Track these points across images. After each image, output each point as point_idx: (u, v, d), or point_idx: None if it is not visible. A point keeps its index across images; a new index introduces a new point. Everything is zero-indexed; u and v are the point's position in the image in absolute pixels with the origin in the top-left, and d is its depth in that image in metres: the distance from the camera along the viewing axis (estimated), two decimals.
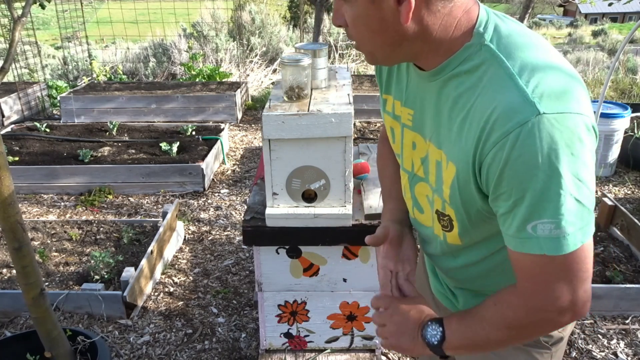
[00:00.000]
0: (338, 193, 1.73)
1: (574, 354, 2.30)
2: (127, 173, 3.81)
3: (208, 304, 2.63)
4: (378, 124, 5.29)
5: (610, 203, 3.14)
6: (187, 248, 3.16)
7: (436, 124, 0.89)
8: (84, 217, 3.46)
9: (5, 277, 2.69)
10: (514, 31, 0.82)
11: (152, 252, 2.70)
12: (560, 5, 39.42)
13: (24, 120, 5.46)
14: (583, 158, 0.73)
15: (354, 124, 4.90)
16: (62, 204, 3.70)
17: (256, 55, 7.64)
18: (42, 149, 4.23)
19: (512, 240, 0.80)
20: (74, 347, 1.91)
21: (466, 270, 1.01)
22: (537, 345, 1.03)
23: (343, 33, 8.01)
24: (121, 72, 7.18)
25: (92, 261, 2.61)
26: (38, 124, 4.71)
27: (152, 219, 3.30)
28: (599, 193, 3.82)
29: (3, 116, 5.33)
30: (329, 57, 7.07)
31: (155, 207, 3.64)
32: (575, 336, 2.40)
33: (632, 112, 4.25)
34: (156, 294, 2.71)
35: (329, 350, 2.08)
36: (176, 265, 2.97)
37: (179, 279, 2.84)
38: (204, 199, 3.77)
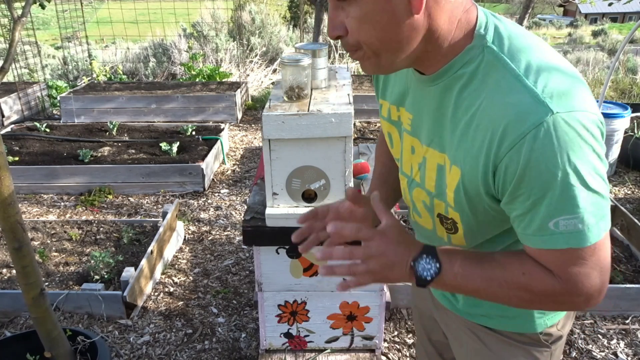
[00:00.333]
0: (338, 193, 1.73)
1: (574, 354, 2.30)
2: (127, 173, 3.81)
3: (208, 304, 2.64)
4: (378, 124, 5.29)
5: (610, 203, 3.14)
6: (187, 248, 3.16)
7: (438, 128, 0.89)
8: (84, 217, 3.46)
9: (5, 277, 2.69)
10: (514, 32, 0.83)
11: (152, 252, 2.70)
12: (560, 5, 39.42)
13: (24, 120, 5.46)
14: (597, 151, 0.75)
15: (354, 124, 4.90)
16: (62, 204, 3.70)
17: (256, 55, 7.64)
18: (42, 149, 4.23)
19: (532, 239, 0.80)
20: (74, 347, 1.91)
21: None
22: (537, 344, 1.03)
23: None
24: (121, 72, 7.18)
25: (92, 261, 2.61)
26: (38, 124, 4.71)
27: (152, 219, 3.30)
28: None
29: (3, 116, 5.33)
30: (329, 57, 7.07)
31: (155, 207, 3.64)
32: (575, 336, 2.40)
33: (632, 112, 4.25)
34: (156, 294, 2.71)
35: (329, 350, 2.08)
36: (176, 265, 2.97)
37: (179, 279, 2.85)
38: (204, 199, 3.77)
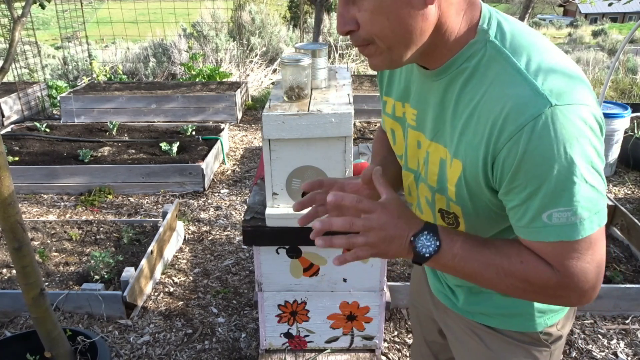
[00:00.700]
0: None
1: (574, 354, 2.30)
2: (127, 173, 3.81)
3: (208, 304, 2.64)
4: (378, 124, 5.28)
5: (610, 203, 3.14)
6: (187, 248, 3.16)
7: (440, 123, 0.89)
8: (84, 217, 3.46)
9: (5, 277, 2.69)
10: (516, 28, 0.83)
11: (152, 252, 2.70)
12: (560, 5, 39.43)
13: (24, 120, 5.46)
14: (595, 145, 0.75)
15: (354, 124, 4.90)
16: (62, 204, 3.70)
17: (256, 55, 7.64)
18: (42, 149, 4.23)
19: (525, 231, 0.80)
20: (74, 347, 1.91)
21: None
22: (537, 344, 1.03)
23: None
24: (121, 72, 7.18)
25: (92, 261, 2.61)
26: (38, 124, 4.71)
27: (152, 219, 3.30)
28: None
29: (3, 116, 5.33)
30: (329, 57, 7.07)
31: (155, 207, 3.64)
32: (575, 336, 2.40)
33: (632, 112, 4.26)
34: (156, 294, 2.71)
35: (329, 350, 2.08)
36: (176, 265, 2.97)
37: (179, 279, 2.85)
38: (204, 199, 3.77)
